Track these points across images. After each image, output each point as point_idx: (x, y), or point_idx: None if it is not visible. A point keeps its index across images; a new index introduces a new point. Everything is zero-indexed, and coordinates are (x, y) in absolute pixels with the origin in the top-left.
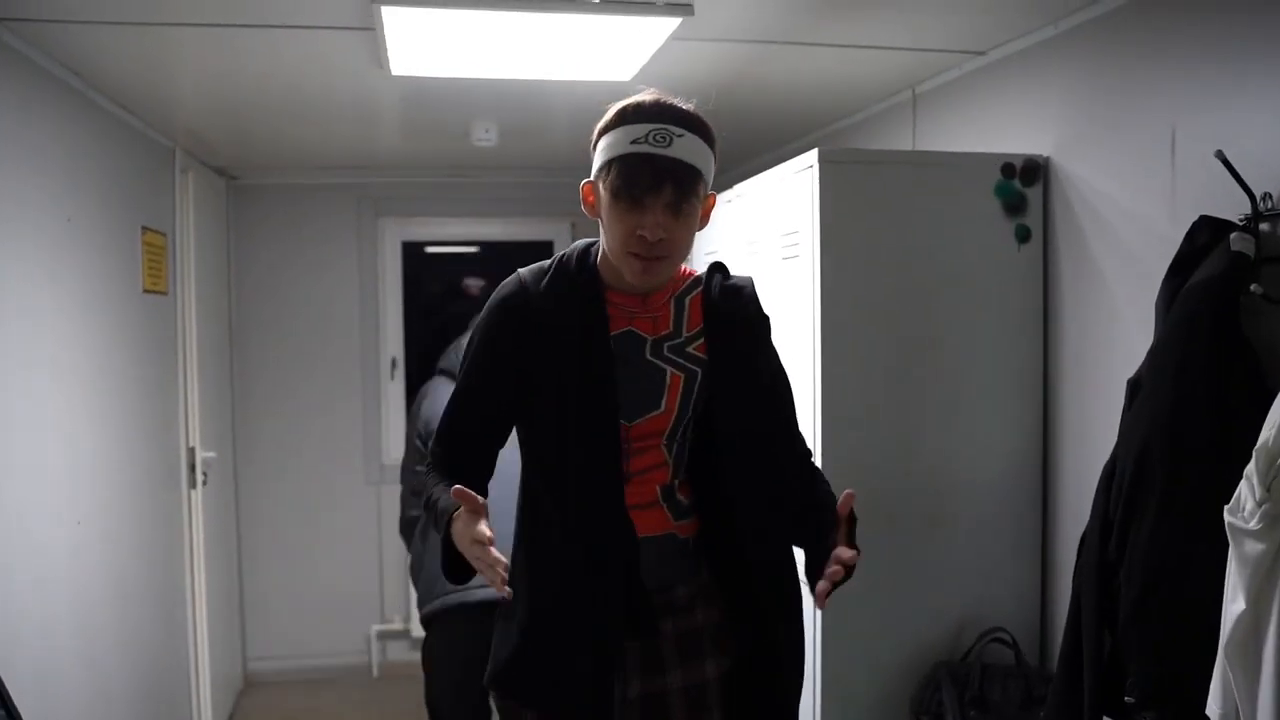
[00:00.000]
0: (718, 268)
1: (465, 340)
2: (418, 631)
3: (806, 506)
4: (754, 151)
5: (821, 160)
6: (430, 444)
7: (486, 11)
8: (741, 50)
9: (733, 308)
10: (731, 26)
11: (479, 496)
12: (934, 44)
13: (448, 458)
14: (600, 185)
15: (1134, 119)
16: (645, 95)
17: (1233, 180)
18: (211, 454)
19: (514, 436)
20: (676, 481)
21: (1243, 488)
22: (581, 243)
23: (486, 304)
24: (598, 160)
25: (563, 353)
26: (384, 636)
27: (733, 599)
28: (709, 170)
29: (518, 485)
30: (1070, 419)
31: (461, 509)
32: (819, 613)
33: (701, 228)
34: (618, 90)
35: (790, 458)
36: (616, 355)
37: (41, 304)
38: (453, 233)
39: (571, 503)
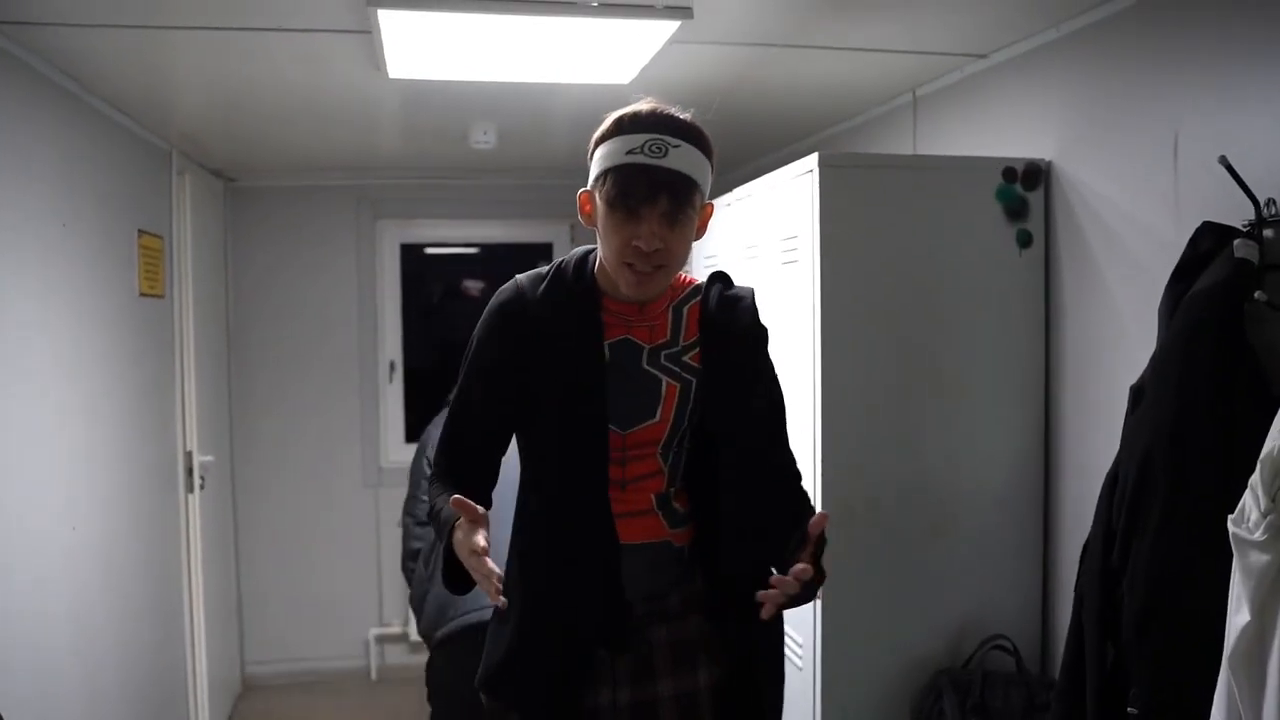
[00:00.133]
0: (719, 277)
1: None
2: (416, 635)
3: (787, 525)
4: (753, 155)
5: (821, 164)
6: (433, 454)
7: (483, 15)
8: (741, 53)
9: (729, 318)
10: (731, 29)
11: (478, 507)
12: (935, 47)
13: (450, 467)
14: (596, 195)
15: (1137, 123)
16: (642, 105)
17: (1236, 186)
18: (209, 458)
19: (514, 445)
20: (673, 489)
21: (1247, 498)
22: (580, 250)
23: (485, 310)
24: (594, 170)
25: (557, 360)
26: (382, 640)
27: (715, 608)
28: (705, 180)
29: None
30: (1072, 426)
31: (462, 519)
32: (820, 619)
33: (699, 238)
34: (617, 93)
35: (778, 471)
36: (612, 363)
37: (38, 309)
38: (451, 235)
39: (556, 507)
